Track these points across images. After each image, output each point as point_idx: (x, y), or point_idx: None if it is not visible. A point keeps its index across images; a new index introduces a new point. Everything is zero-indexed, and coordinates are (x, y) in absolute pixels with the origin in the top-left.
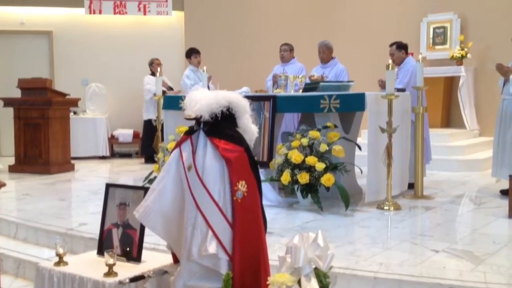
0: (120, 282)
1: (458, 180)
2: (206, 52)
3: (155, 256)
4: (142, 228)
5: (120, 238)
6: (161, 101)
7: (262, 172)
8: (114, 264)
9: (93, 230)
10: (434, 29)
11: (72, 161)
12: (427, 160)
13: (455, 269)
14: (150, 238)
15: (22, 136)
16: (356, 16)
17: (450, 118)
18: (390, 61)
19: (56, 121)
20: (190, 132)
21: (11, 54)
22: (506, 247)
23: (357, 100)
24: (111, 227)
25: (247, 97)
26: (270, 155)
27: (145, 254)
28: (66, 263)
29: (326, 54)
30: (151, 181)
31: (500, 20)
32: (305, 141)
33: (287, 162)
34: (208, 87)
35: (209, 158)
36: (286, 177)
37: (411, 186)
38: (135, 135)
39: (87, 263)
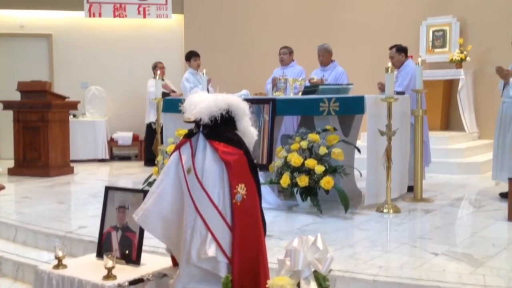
0: (119, 285)
1: (457, 183)
2: (206, 55)
3: (154, 259)
4: (141, 231)
5: (120, 241)
6: (161, 104)
7: (261, 175)
8: (113, 267)
9: (93, 233)
10: (433, 32)
11: (72, 164)
12: (426, 163)
13: (454, 272)
14: (150, 241)
15: (21, 139)
16: (356, 19)
17: (449, 121)
18: (390, 64)
19: (56, 124)
20: (189, 135)
21: (10, 57)
22: (506, 250)
23: (357, 103)
24: (110, 230)
25: (247, 100)
26: (270, 158)
27: (144, 257)
28: (65, 266)
29: (325, 57)
30: (150, 184)
31: (499, 23)
32: (304, 144)
33: (286, 165)
34: (208, 90)
35: (208, 161)
36: (285, 180)
37: (410, 189)
38: (135, 138)
39: (86, 266)
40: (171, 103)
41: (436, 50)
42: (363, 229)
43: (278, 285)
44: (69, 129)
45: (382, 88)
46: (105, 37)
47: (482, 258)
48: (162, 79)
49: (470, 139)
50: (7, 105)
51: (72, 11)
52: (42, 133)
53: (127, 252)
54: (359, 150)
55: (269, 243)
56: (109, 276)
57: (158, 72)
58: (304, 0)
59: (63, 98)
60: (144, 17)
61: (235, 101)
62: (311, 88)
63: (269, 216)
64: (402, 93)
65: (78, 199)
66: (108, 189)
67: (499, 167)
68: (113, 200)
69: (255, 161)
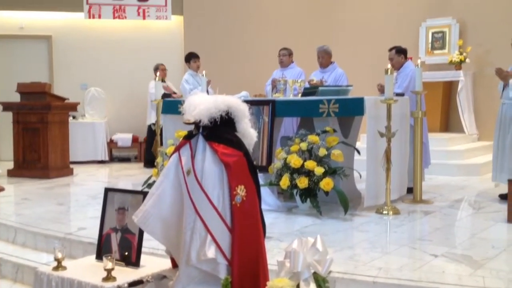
0: (119, 287)
1: (457, 184)
2: (205, 57)
3: (153, 261)
4: (141, 233)
5: (119, 243)
6: (160, 105)
7: (261, 177)
8: (112, 269)
9: (92, 234)
10: (432, 33)
11: (71, 166)
12: (426, 164)
13: (454, 273)
14: (149, 242)
15: (21, 141)
16: (355, 21)
17: (449, 122)
18: (389, 66)
19: (55, 125)
20: (189, 137)
21: (10, 58)
22: (505, 251)
23: (356, 104)
24: (110, 231)
25: (246, 101)
26: (269, 160)
27: (143, 258)
28: (64, 268)
29: (325, 59)
30: (150, 186)
31: (499, 25)
32: (304, 145)
33: (286, 166)
34: (207, 92)
35: (208, 162)
36: (285, 182)
37: (410, 190)
38: (134, 139)
39: (86, 268)
40: (171, 105)
41: (436, 51)
42: (363, 231)
43: (278, 287)
44: (69, 131)
45: (381, 89)
46: (104, 39)
47: (482, 260)
48: (164, 81)
49: (469, 141)
50: (7, 106)
51: (71, 13)
52: (41, 135)
53: (126, 253)
54: (358, 152)
55: (268, 244)
56: (109, 277)
57: (158, 73)
58: (303, 2)
59: (62, 99)
60: (144, 18)
61: (235, 103)
62: (311, 90)
63: (268, 218)
64: (401, 94)
65: (78, 200)
66: (107, 190)
67: (499, 168)
68: (113, 201)
69: (254, 163)
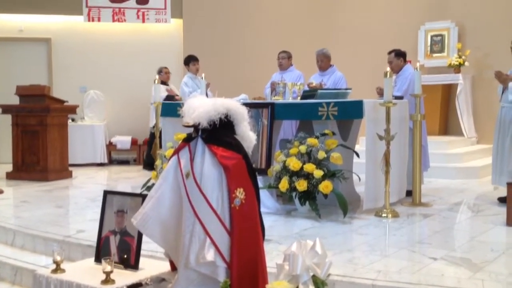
0: None
1: (456, 187)
2: (205, 60)
3: (152, 264)
4: (140, 236)
5: (118, 246)
6: (159, 108)
7: (260, 179)
8: (111, 272)
9: (91, 237)
10: (431, 37)
11: (70, 168)
12: (425, 167)
13: (453, 276)
14: (148, 245)
15: (20, 143)
16: (354, 24)
17: (448, 125)
18: (388, 69)
19: (54, 128)
20: (188, 139)
21: (9, 61)
22: (504, 254)
23: (355, 107)
24: (108, 234)
25: (245, 104)
26: (268, 162)
27: (142, 261)
28: (63, 271)
29: (324, 62)
30: (149, 188)
31: (498, 28)
32: (303, 148)
33: (285, 169)
34: (207, 94)
35: (207, 165)
36: (284, 184)
37: (409, 193)
38: (133, 142)
39: (85, 271)
40: (170, 108)
41: (435, 55)
42: (362, 234)
43: None
44: (68, 133)
45: (381, 92)
46: (104, 42)
47: (481, 263)
48: (167, 84)
49: (468, 144)
50: (6, 109)
51: (71, 16)
52: (40, 137)
53: (125, 256)
54: (357, 155)
55: (267, 247)
56: (107, 280)
57: (157, 77)
58: (303, 5)
59: (62, 102)
60: (143, 21)
61: (234, 106)
62: (310, 93)
63: (267, 221)
64: (400, 97)
65: (77, 203)
66: (106, 193)
67: (499, 171)
68: (112, 204)
69: (253, 166)
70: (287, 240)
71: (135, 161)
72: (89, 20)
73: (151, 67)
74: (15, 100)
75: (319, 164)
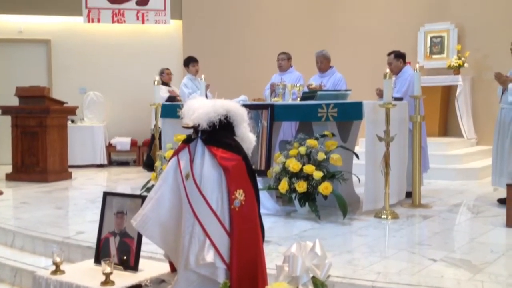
0: None
1: (455, 189)
2: (204, 61)
3: (152, 265)
4: (140, 237)
5: (117, 247)
6: (159, 109)
7: (259, 181)
8: (111, 273)
9: (90, 238)
10: (431, 38)
11: (70, 169)
12: (424, 169)
13: (453, 278)
14: (148, 246)
15: (19, 144)
16: (354, 26)
17: (447, 127)
18: (388, 70)
19: (54, 129)
20: (188, 141)
21: (9, 62)
22: (504, 256)
23: (355, 108)
24: (108, 235)
25: (245, 105)
26: (268, 164)
27: (142, 262)
28: (63, 272)
29: (323, 64)
30: (148, 190)
31: (497, 30)
32: (302, 149)
33: (284, 170)
34: (206, 96)
35: (207, 166)
36: (283, 186)
37: (408, 195)
38: (133, 143)
39: (84, 272)
40: (170, 109)
41: (434, 56)
42: (362, 235)
43: None
44: (68, 135)
45: (380, 94)
46: (103, 43)
47: (481, 264)
48: (169, 85)
49: (468, 145)
50: (6, 110)
51: (70, 17)
52: (40, 139)
53: (125, 257)
54: (357, 156)
55: (267, 248)
56: (107, 282)
57: (157, 78)
58: (303, 6)
59: (61, 103)
60: (143, 22)
61: (234, 107)
62: (310, 94)
63: (267, 222)
64: (400, 99)
65: (76, 204)
66: (106, 194)
67: (498, 173)
68: (111, 205)
69: (253, 167)
70: (287, 241)
71: (134, 162)
72: (88, 21)
73: (151, 68)
74: (14, 101)
75: (318, 165)
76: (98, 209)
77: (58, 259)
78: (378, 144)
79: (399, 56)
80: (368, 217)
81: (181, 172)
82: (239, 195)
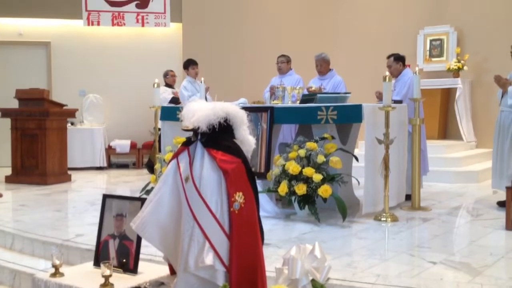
0: None
1: (455, 191)
2: (204, 64)
3: (151, 268)
4: (139, 239)
5: (117, 249)
6: (159, 112)
7: (259, 183)
8: (110, 276)
9: (90, 241)
10: (430, 41)
11: (69, 172)
12: (424, 171)
13: (452, 281)
14: (147, 249)
15: (19, 147)
16: (354, 28)
17: (447, 129)
18: (387, 73)
19: (53, 131)
20: (187, 143)
21: (9, 65)
22: (504, 259)
23: (355, 111)
24: (107, 238)
25: (245, 108)
26: (268, 166)
27: (141, 265)
28: (62, 274)
29: (323, 67)
30: (148, 192)
31: (496, 33)
32: (302, 152)
33: (284, 173)
34: (206, 98)
35: (206, 169)
36: (283, 188)
37: (408, 197)
38: (133, 145)
39: (84, 275)
40: (169, 111)
41: (434, 59)
42: (361, 238)
43: None
44: (67, 137)
45: (380, 97)
46: (103, 46)
47: (480, 267)
48: (173, 87)
49: (467, 148)
50: (5, 112)
51: (70, 20)
52: (39, 141)
53: (124, 260)
54: (357, 159)
55: (267, 251)
56: (106, 284)
57: (156, 80)
58: (302, 9)
59: (61, 106)
60: (143, 25)
61: (233, 110)
62: (309, 97)
63: (267, 225)
64: (400, 102)
65: (76, 207)
66: (105, 197)
67: (499, 175)
68: (111, 208)
69: (253, 170)
70: (286, 244)
71: (134, 164)
72: (88, 24)
73: (150, 71)
74: (14, 104)
75: (318, 168)
76: (98, 211)
77: (57, 262)
78: (377, 147)
79: (399, 59)
80: (368, 219)
81: (180, 174)
82: (239, 197)
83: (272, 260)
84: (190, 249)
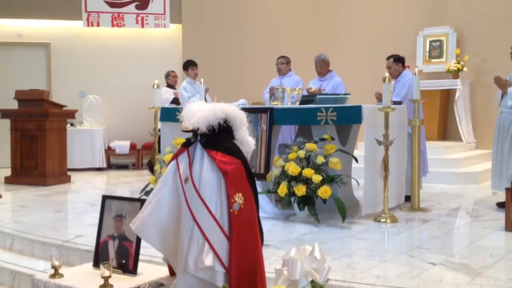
0: None
1: (454, 192)
2: (204, 64)
3: (151, 269)
4: (138, 240)
5: (116, 250)
6: (158, 113)
7: (259, 184)
8: (109, 277)
9: (89, 242)
10: (430, 42)
11: (69, 173)
12: (423, 172)
13: (452, 282)
14: (146, 250)
15: (18, 148)
16: (354, 30)
17: (446, 131)
18: (387, 74)
19: (53, 132)
20: (187, 144)
21: (8, 66)
22: (503, 260)
23: (354, 112)
24: (107, 239)
25: (244, 109)
26: (267, 167)
27: (141, 266)
28: (61, 275)
29: (323, 68)
30: (147, 193)
31: (496, 34)
32: (302, 153)
33: (284, 174)
34: (205, 99)
35: (206, 170)
36: (283, 189)
37: (407, 198)
38: (132, 146)
39: (83, 276)
40: (169, 112)
41: (433, 60)
42: (361, 239)
43: None
44: (67, 138)
45: (379, 98)
46: (103, 47)
47: (480, 268)
48: (174, 87)
49: (467, 149)
50: (5, 113)
51: (70, 20)
52: (39, 142)
53: (123, 261)
54: (356, 160)
55: (266, 252)
56: (106, 285)
57: (156, 81)
58: (302, 11)
59: (60, 106)
60: (142, 26)
61: (233, 111)
62: (309, 98)
63: (266, 225)
64: (399, 103)
65: (75, 208)
66: (105, 198)
67: (498, 177)
68: (110, 209)
69: (252, 170)
70: (286, 245)
71: (133, 165)
72: (88, 25)
73: (150, 72)
74: (14, 105)
75: (317, 169)
76: (97, 212)
77: (56, 263)
78: (377, 148)
79: (398, 60)
80: (367, 220)
81: (180, 175)
82: (238, 198)
83: (272, 261)
84: (189, 250)
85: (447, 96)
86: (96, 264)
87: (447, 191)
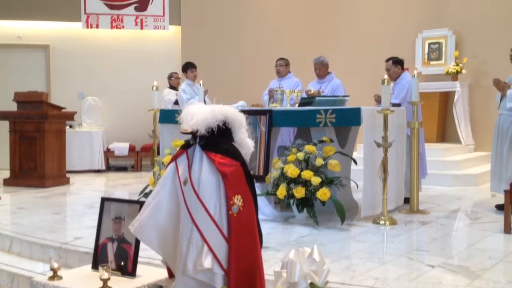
0: None
1: (453, 194)
2: (203, 67)
3: (150, 271)
4: (137, 243)
5: (115, 252)
6: (157, 115)
7: (258, 186)
8: (108, 279)
9: (88, 244)
10: (429, 44)
11: (68, 175)
12: (422, 174)
13: (451, 284)
14: (145, 252)
15: (17, 150)
16: (353, 32)
17: (445, 133)
18: (386, 76)
19: (52, 134)
20: (186, 146)
21: (7, 68)
22: (502, 262)
23: (353, 114)
24: (106, 241)
25: (243, 111)
26: (266, 169)
27: (140, 268)
28: (60, 278)
29: (322, 70)
30: (146, 195)
31: (495, 36)
32: (301, 155)
33: (283, 176)
34: (204, 101)
35: (205, 172)
36: (282, 191)
37: (406, 200)
38: (131, 148)
39: (82, 278)
40: (168, 114)
41: (432, 62)
42: (360, 241)
43: None
44: (66, 140)
45: (378, 100)
46: (102, 48)
47: (479, 271)
48: (177, 89)
49: (466, 151)
50: (4, 115)
51: (69, 22)
52: (38, 144)
53: (122, 263)
54: (355, 162)
55: (265, 254)
56: (105, 287)
57: (155, 83)
58: (301, 13)
59: (59, 108)
60: (142, 28)
61: (232, 113)
62: (308, 100)
63: (265, 228)
64: (398, 105)
65: (74, 210)
66: (104, 200)
67: (497, 179)
68: (109, 211)
69: (251, 173)
70: (285, 247)
71: (132, 167)
72: (87, 27)
73: (149, 73)
74: (13, 107)
75: (317, 171)
76: (96, 214)
77: (55, 265)
78: (376, 150)
79: (397, 62)
80: (366, 223)
81: (179, 177)
82: (237, 200)
83: (271, 263)
84: (188, 252)
85: (446, 98)
86: (95, 266)
87: (446, 193)
